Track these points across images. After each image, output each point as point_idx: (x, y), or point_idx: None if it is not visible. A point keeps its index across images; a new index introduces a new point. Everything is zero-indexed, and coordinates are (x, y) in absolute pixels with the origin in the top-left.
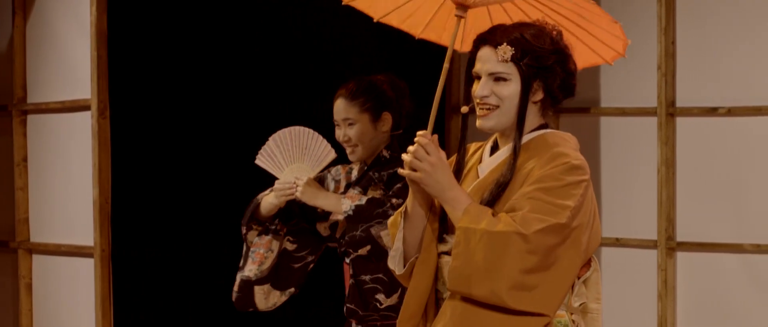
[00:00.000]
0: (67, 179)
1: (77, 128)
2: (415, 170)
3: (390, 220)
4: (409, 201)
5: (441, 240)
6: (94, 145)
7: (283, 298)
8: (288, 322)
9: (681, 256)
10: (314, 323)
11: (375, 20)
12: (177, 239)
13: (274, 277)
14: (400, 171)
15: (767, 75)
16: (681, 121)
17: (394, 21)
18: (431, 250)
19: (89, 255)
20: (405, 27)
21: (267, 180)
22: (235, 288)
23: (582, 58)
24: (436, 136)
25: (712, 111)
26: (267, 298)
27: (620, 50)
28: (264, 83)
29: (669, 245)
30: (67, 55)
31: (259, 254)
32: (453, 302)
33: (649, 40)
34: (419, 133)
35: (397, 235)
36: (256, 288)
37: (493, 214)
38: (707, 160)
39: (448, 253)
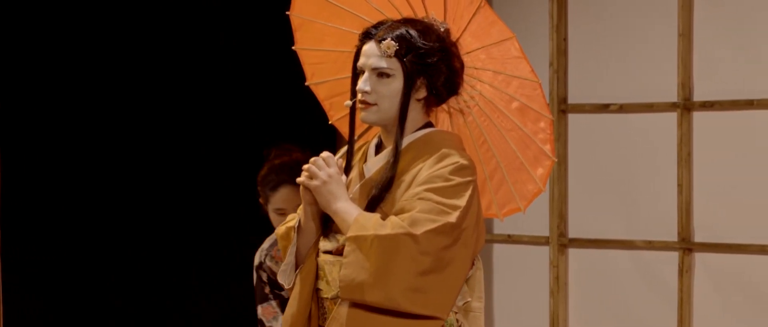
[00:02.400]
0: None
1: None
2: (312, 179)
3: (281, 233)
4: (301, 215)
5: (325, 236)
6: None
7: None
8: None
9: (573, 253)
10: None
11: (306, 84)
12: (66, 238)
13: None
14: (298, 179)
15: (659, 71)
16: (573, 118)
17: (320, 93)
18: (313, 257)
19: None
20: (326, 106)
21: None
22: None
23: (485, 207)
24: (342, 162)
25: (604, 107)
26: None
27: (522, 206)
28: (152, 81)
29: (561, 242)
30: None
31: None
32: (345, 306)
33: (540, 37)
34: (325, 152)
35: (289, 249)
36: None
37: (382, 218)
38: (599, 156)
39: (330, 252)
